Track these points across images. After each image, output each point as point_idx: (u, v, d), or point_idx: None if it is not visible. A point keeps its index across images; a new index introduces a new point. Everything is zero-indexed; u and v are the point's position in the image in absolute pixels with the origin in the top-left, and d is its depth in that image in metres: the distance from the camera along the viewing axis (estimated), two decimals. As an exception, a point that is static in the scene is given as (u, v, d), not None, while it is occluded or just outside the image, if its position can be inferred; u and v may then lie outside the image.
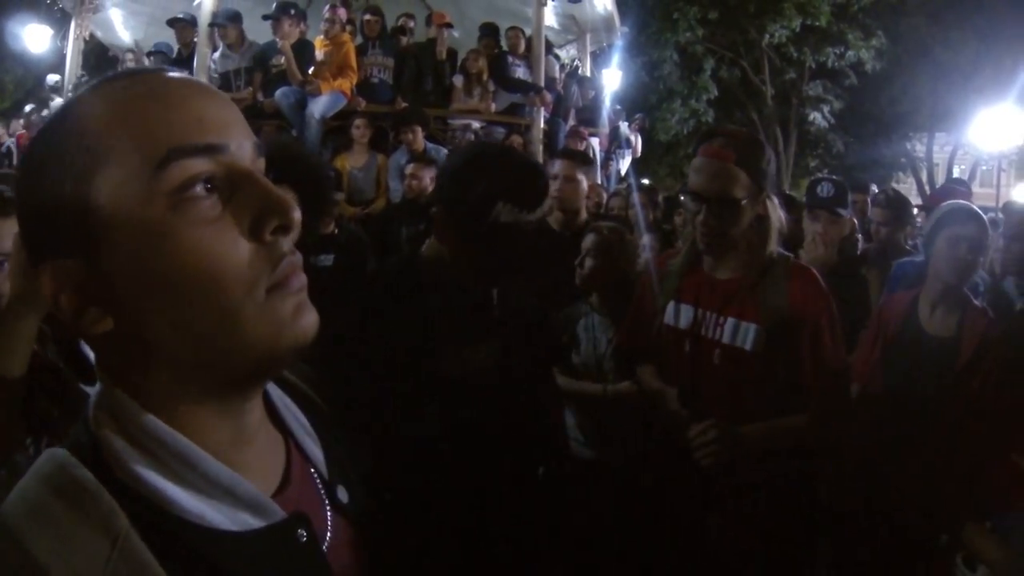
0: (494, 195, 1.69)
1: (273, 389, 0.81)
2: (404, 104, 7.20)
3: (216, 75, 7.28)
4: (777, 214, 2.22)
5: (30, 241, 0.66)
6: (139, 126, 0.62)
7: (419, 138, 6.40)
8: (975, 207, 2.88)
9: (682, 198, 6.49)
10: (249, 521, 0.67)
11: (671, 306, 2.34)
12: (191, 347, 0.63)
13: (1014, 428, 2.17)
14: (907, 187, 23.06)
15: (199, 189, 0.62)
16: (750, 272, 2.21)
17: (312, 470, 0.80)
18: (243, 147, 0.67)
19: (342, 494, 0.81)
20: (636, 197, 5.87)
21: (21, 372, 1.49)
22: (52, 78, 10.25)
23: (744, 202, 2.11)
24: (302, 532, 0.71)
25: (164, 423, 0.64)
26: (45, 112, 9.83)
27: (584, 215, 3.96)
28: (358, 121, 6.70)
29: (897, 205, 4.40)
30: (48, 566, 0.56)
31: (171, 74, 0.68)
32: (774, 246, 2.22)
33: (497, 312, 1.92)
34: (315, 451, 0.81)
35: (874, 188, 6.09)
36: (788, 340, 2.14)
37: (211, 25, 7.37)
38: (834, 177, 4.01)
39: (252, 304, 0.63)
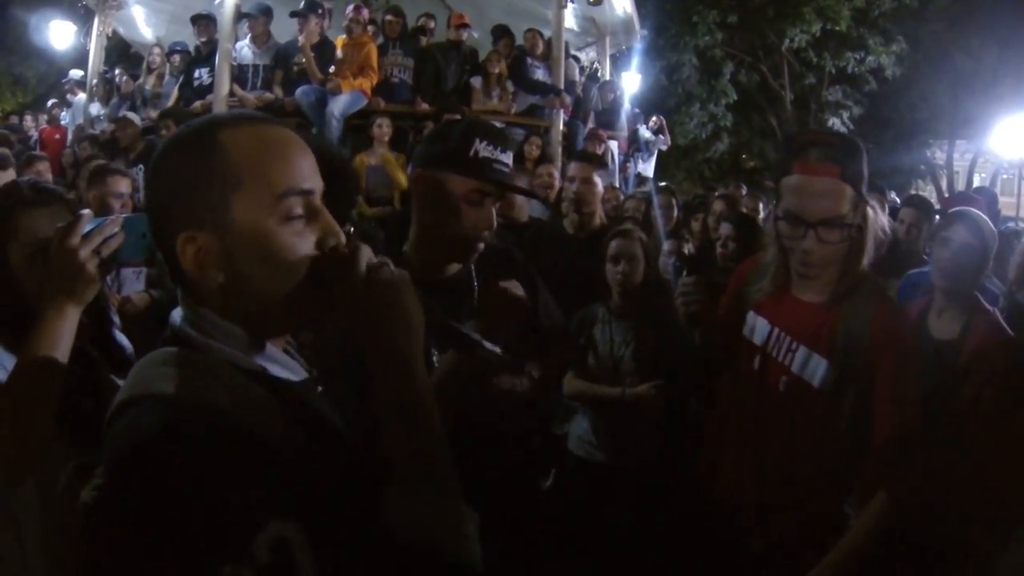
0: (470, 128, 1.90)
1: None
2: (424, 104, 7.23)
3: (235, 65, 7.37)
4: (879, 222, 1.98)
5: (168, 217, 1.02)
6: (269, 169, 1.02)
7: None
8: (975, 213, 2.84)
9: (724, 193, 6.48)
10: (292, 376, 1.12)
11: (751, 316, 2.17)
12: (270, 299, 1.04)
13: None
14: (927, 194, 22.81)
15: (296, 214, 1.03)
16: (834, 295, 1.99)
17: None
18: (319, 187, 1.07)
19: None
20: (656, 200, 5.85)
21: (63, 366, 1.49)
22: (75, 73, 10.35)
23: (850, 218, 1.91)
24: (320, 387, 1.18)
25: (251, 334, 1.06)
26: (66, 110, 9.95)
27: (599, 218, 3.98)
28: (379, 120, 6.74)
29: (927, 206, 4.41)
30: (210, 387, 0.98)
31: (285, 130, 1.08)
32: (867, 261, 1.98)
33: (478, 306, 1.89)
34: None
35: (892, 195, 6.07)
36: (860, 384, 1.93)
37: (243, 16, 7.44)
38: None
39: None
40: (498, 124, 7.17)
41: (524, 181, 4.66)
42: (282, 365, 1.11)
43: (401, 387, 1.04)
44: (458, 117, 6.45)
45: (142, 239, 1.50)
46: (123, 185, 3.88)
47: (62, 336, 1.49)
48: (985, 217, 2.83)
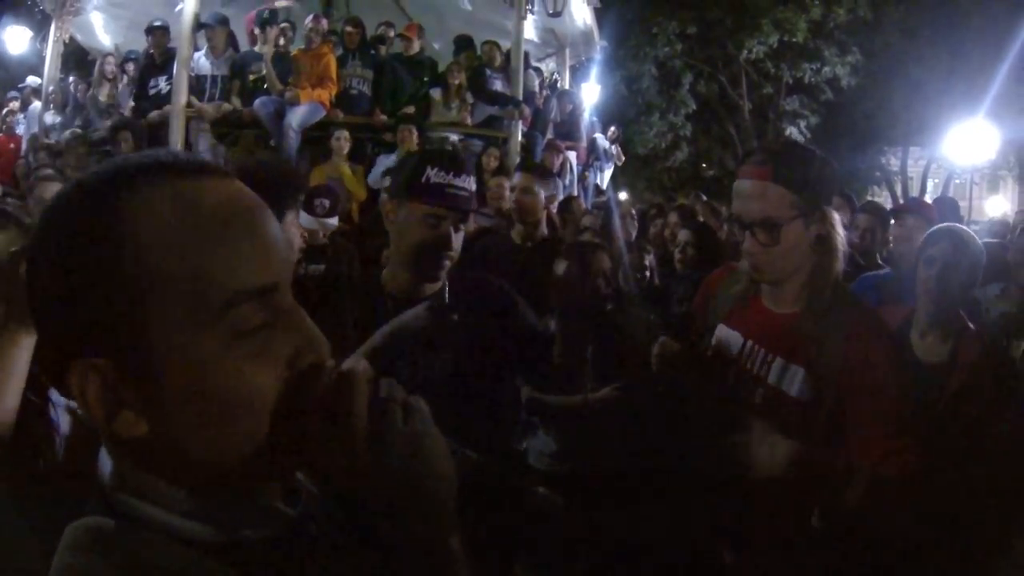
0: (423, 158, 2.04)
1: None
2: (382, 116, 7.25)
3: (192, 75, 7.30)
4: (839, 232, 1.95)
5: (54, 333, 0.68)
6: (204, 270, 0.65)
7: (413, 138, 6.49)
8: (961, 229, 2.76)
9: (685, 201, 6.55)
10: (268, 530, 0.75)
11: (721, 329, 2.12)
12: (221, 455, 0.69)
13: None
14: (882, 200, 23.28)
15: (251, 327, 0.67)
16: (810, 307, 1.94)
17: None
18: (284, 276, 0.71)
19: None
20: (615, 212, 5.91)
21: (17, 396, 1.45)
22: (32, 80, 10.16)
23: (789, 224, 1.87)
24: (312, 526, 0.80)
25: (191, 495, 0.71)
26: (21, 117, 9.78)
27: (544, 228, 4.00)
28: (338, 133, 6.75)
29: (882, 212, 4.47)
30: None
31: (230, 185, 0.71)
32: (839, 273, 1.96)
33: (452, 315, 2.02)
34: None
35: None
36: (838, 393, 1.88)
37: (200, 26, 7.37)
38: None
39: None
40: (455, 137, 7.27)
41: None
42: (255, 518, 0.76)
43: (427, 565, 0.77)
44: (413, 128, 6.55)
45: None
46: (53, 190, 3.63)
47: (15, 364, 1.45)
48: (972, 234, 2.72)
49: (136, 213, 0.65)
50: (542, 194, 3.95)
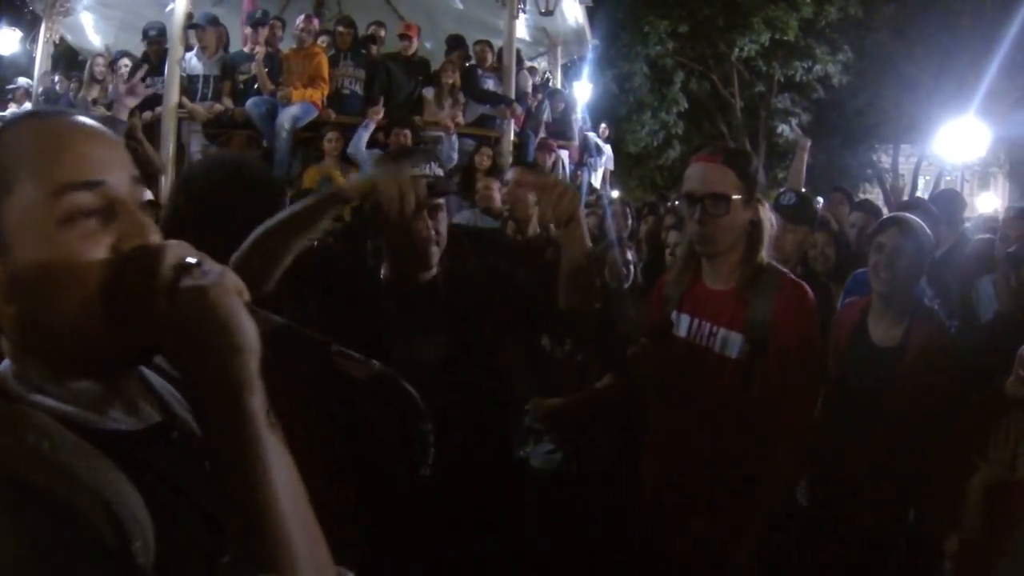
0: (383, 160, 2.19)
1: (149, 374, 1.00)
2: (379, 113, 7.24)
3: (184, 76, 7.29)
4: (768, 219, 2.28)
5: None
6: (38, 165, 0.83)
7: (408, 141, 6.49)
8: (910, 218, 2.87)
9: (675, 204, 6.62)
10: (131, 424, 0.89)
11: (675, 316, 2.40)
12: (63, 325, 0.82)
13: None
14: (873, 197, 23.28)
15: (82, 212, 0.82)
16: (741, 282, 2.26)
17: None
18: (121, 179, 0.87)
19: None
20: (608, 210, 5.92)
21: None
22: (23, 81, 10.11)
23: (735, 199, 2.18)
24: (175, 432, 0.94)
25: (63, 377, 0.85)
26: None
27: (536, 225, 3.96)
28: (330, 134, 6.74)
29: (876, 211, 4.54)
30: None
31: (78, 120, 0.89)
32: (765, 253, 2.27)
33: (443, 297, 2.15)
34: (184, 414, 0.98)
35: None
36: (768, 354, 2.18)
37: (190, 27, 7.35)
38: (803, 191, 4.10)
39: None
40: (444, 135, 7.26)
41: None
42: (119, 412, 0.89)
43: (225, 429, 0.79)
44: (408, 132, 6.53)
45: None
46: None
47: None
48: (920, 222, 2.83)
49: (6, 137, 0.84)
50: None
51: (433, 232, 2.10)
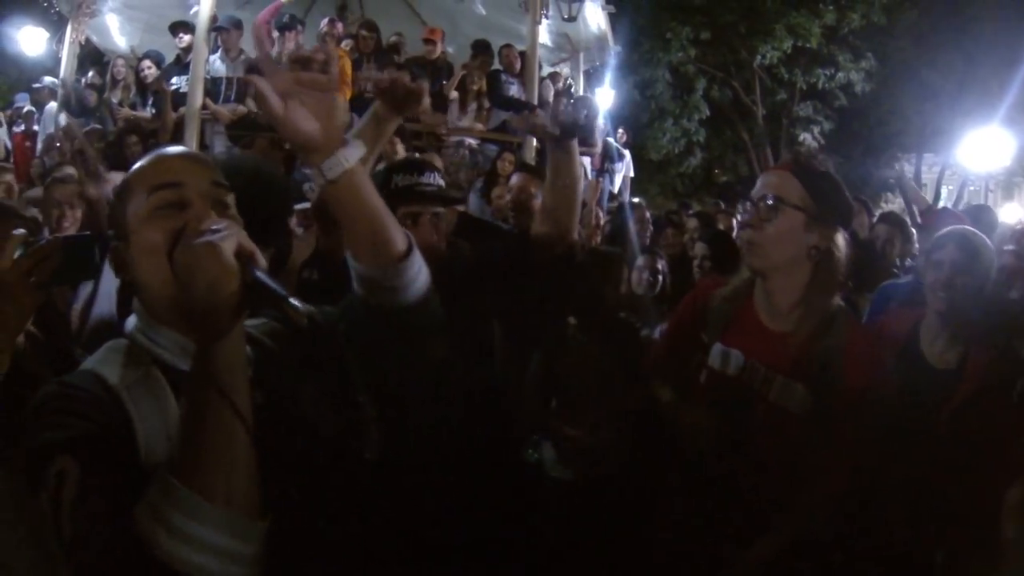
0: (387, 170, 2.27)
1: None
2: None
3: (208, 78, 7.34)
4: (841, 253, 2.03)
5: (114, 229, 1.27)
6: (146, 172, 1.25)
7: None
8: (968, 231, 2.71)
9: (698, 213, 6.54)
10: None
11: (717, 348, 2.17)
12: (150, 289, 1.22)
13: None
14: (895, 207, 23.22)
15: (164, 204, 1.20)
16: (806, 327, 2.04)
17: None
18: (198, 183, 1.23)
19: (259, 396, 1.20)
20: (630, 216, 5.90)
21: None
22: (48, 80, 10.18)
23: (790, 210, 1.98)
24: None
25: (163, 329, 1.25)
26: (37, 117, 9.81)
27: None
28: (352, 137, 6.74)
29: (900, 222, 4.44)
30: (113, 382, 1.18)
31: (171, 147, 1.34)
32: (836, 294, 2.06)
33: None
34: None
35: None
36: (835, 409, 1.99)
37: (215, 29, 7.40)
38: None
39: None
40: (472, 142, 7.25)
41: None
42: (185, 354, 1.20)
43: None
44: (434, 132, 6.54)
45: (87, 259, 1.44)
46: (63, 193, 3.69)
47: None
48: (981, 235, 2.67)
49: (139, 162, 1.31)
50: (539, 197, 3.83)
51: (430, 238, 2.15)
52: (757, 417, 2.07)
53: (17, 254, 1.41)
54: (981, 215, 4.86)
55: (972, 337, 2.53)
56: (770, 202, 2.01)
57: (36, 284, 1.42)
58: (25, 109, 9.92)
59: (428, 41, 7.80)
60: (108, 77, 8.29)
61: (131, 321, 1.27)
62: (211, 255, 1.05)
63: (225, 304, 1.04)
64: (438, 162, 3.80)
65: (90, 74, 8.88)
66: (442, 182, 2.24)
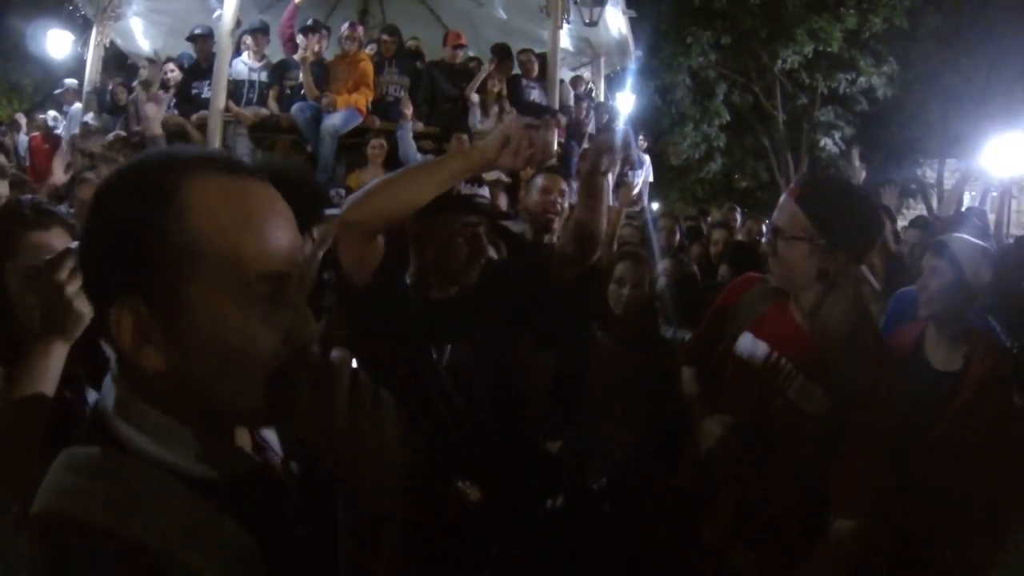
0: None
1: None
2: (419, 123, 7.28)
3: (231, 80, 7.40)
4: (852, 290, 2.09)
5: (104, 274, 0.84)
6: (241, 243, 0.83)
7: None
8: (962, 239, 2.74)
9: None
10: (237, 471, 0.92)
11: (747, 337, 2.23)
12: (220, 396, 0.85)
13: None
14: (918, 212, 23.03)
15: (263, 296, 0.84)
16: (829, 335, 2.06)
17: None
18: (298, 263, 0.90)
19: (294, 467, 1.04)
20: (651, 220, 5.89)
21: (47, 404, 1.46)
22: (70, 82, 10.27)
23: (791, 242, 2.03)
24: (294, 463, 1.02)
25: (181, 425, 0.87)
26: (62, 118, 9.91)
27: (556, 235, 3.73)
28: (375, 141, 6.78)
29: (931, 228, 4.40)
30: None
31: (265, 188, 0.89)
32: (844, 319, 2.06)
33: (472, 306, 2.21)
34: (272, 438, 1.06)
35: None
36: (850, 415, 2.00)
37: (246, 32, 7.50)
38: None
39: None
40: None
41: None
42: (232, 458, 0.94)
43: (370, 530, 0.91)
44: (465, 136, 6.57)
45: None
46: (89, 192, 3.61)
47: (47, 374, 1.46)
48: (975, 242, 2.72)
49: (191, 195, 0.82)
50: (564, 196, 3.77)
51: (486, 252, 2.19)
52: (772, 413, 2.11)
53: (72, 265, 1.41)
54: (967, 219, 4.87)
55: (971, 339, 2.61)
56: (775, 235, 2.08)
57: None
58: (49, 114, 9.99)
59: (457, 46, 7.82)
60: (138, 80, 8.40)
61: (112, 411, 0.88)
62: (389, 414, 0.91)
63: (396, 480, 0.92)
64: None
65: (110, 85, 8.97)
66: (488, 193, 2.25)
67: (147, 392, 0.86)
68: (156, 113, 4.13)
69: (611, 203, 7.62)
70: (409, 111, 6.87)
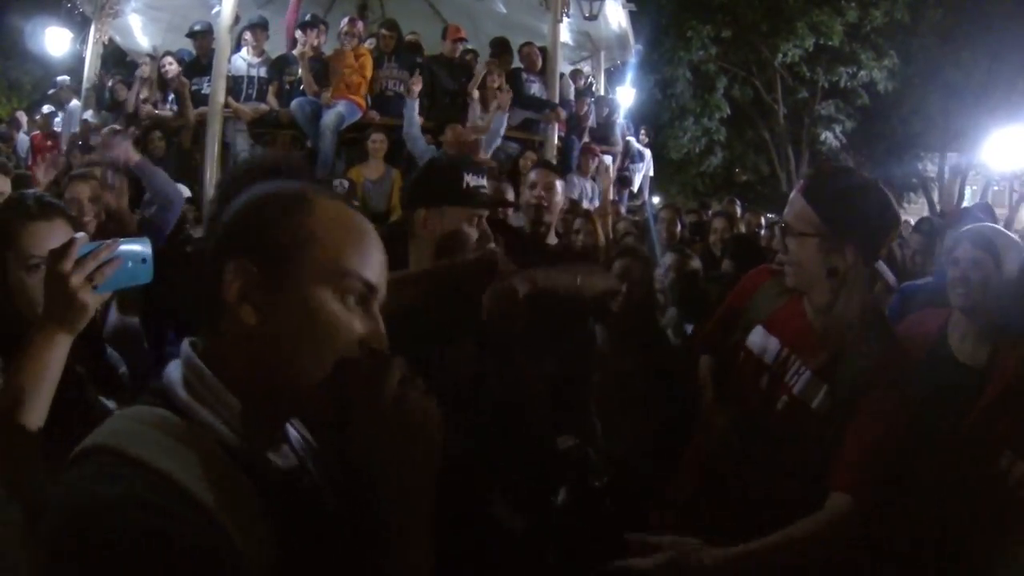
0: (455, 166, 2.23)
1: None
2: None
3: (230, 76, 7.40)
4: (860, 289, 2.04)
5: (231, 237, 1.01)
6: (346, 245, 1.01)
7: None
8: (984, 227, 2.69)
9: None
10: (284, 460, 1.06)
11: (759, 331, 2.21)
12: (289, 371, 0.97)
13: None
14: (918, 207, 22.99)
15: (352, 296, 1.00)
16: (840, 333, 2.04)
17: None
18: (383, 290, 1.05)
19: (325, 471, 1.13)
20: (652, 214, 5.87)
21: (48, 396, 1.44)
22: (63, 80, 10.22)
23: (799, 238, 2.00)
24: (319, 461, 1.12)
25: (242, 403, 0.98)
26: (60, 113, 9.88)
27: (553, 230, 3.64)
28: (375, 135, 6.76)
29: (935, 232, 4.33)
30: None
31: (371, 224, 1.08)
32: (849, 315, 2.03)
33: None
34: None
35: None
36: (855, 411, 1.96)
37: (245, 28, 7.49)
38: None
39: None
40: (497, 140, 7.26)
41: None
42: (276, 446, 1.06)
43: (405, 528, 0.97)
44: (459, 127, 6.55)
45: (142, 264, 1.42)
46: (83, 190, 3.59)
47: (49, 365, 1.44)
48: (998, 229, 2.66)
49: (318, 204, 1.02)
50: (558, 192, 3.61)
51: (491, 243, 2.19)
52: (777, 407, 2.09)
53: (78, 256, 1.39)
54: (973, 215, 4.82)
55: (1000, 333, 2.49)
56: (783, 231, 2.07)
57: (95, 287, 1.40)
58: (46, 109, 9.97)
59: (456, 40, 7.80)
60: (137, 77, 8.37)
61: (177, 380, 0.99)
62: (432, 421, 1.01)
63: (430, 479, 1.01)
64: None
65: (110, 82, 8.95)
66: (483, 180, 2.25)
67: (223, 355, 0.99)
68: (124, 146, 4.05)
69: (613, 198, 7.65)
70: (417, 87, 6.80)
